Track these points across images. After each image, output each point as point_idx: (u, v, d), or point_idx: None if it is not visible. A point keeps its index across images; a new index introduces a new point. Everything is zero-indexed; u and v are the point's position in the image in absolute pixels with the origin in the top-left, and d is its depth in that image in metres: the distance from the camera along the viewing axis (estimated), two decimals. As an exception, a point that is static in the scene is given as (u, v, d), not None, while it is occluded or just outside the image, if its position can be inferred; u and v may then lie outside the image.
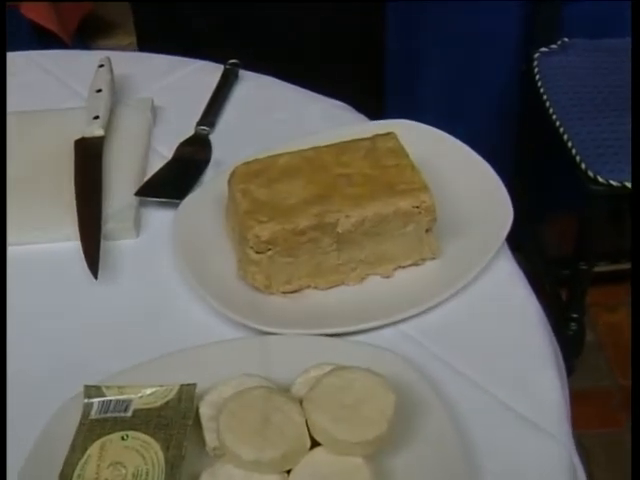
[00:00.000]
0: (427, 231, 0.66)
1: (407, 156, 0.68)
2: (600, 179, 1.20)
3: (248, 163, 0.69)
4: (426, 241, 0.67)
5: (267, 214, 0.64)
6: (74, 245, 0.70)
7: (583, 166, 1.22)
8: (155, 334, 0.64)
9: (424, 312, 0.64)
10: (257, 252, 0.64)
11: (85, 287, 0.68)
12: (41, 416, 0.56)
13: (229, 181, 0.69)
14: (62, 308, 0.67)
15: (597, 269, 1.45)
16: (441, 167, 0.72)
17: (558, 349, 0.63)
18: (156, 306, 0.67)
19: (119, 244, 0.72)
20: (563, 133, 1.28)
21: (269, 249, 0.64)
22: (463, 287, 0.65)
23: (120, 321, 0.66)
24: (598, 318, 1.61)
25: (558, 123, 1.30)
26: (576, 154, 1.24)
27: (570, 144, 1.26)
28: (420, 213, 0.65)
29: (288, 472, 0.52)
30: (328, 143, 0.71)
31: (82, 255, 0.69)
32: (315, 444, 0.53)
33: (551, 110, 1.33)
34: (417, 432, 0.54)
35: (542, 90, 1.37)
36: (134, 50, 1.40)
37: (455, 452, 0.53)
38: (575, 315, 1.44)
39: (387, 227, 0.65)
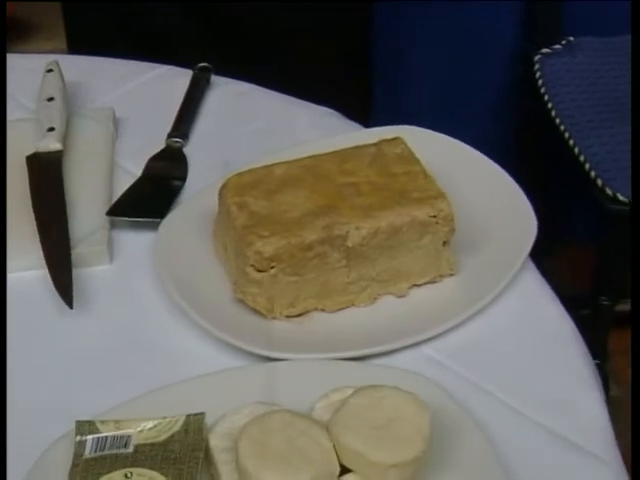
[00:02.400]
0: (444, 244, 0.76)
1: (418, 162, 0.78)
2: (620, 197, 1.32)
3: (241, 174, 0.78)
4: (443, 255, 0.76)
5: (268, 228, 0.73)
6: (39, 274, 0.78)
7: (599, 183, 1.34)
8: (144, 366, 0.72)
9: (447, 332, 0.73)
10: (258, 270, 0.72)
11: (58, 320, 0.76)
12: (21, 462, 0.63)
13: (220, 194, 0.77)
14: (35, 343, 0.75)
15: (620, 308, 1.56)
16: (451, 175, 0.81)
17: (595, 369, 0.73)
18: (142, 336, 0.75)
19: (91, 271, 0.80)
20: (573, 146, 1.40)
21: (272, 267, 0.72)
22: (487, 305, 0.75)
23: (103, 355, 0.74)
24: (623, 368, 1.71)
25: (567, 135, 1.42)
26: (590, 169, 1.36)
27: (582, 158, 1.38)
28: (437, 223, 0.75)
29: (315, 504, 0.60)
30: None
31: (51, 284, 0.76)
32: (343, 473, 0.61)
33: (558, 120, 1.45)
34: (453, 458, 0.63)
35: (546, 97, 1.49)
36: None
37: (497, 478, 0.61)
38: (596, 362, 1.54)
39: (401, 239, 0.74)
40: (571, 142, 1.42)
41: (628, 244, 1.43)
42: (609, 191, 1.33)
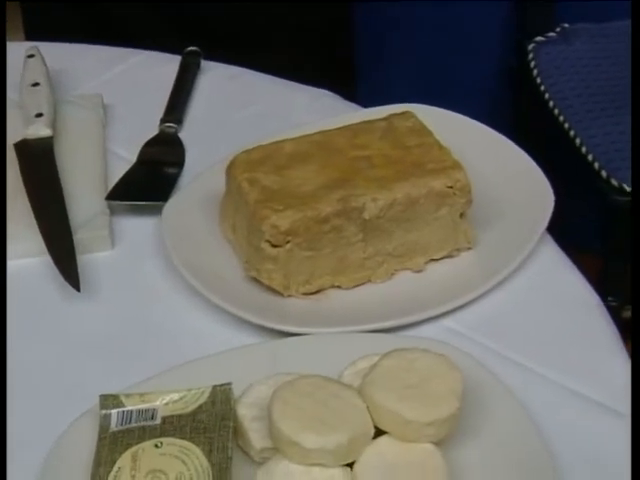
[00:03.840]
0: (461, 216, 0.85)
1: (431, 134, 0.87)
2: (626, 188, 1.41)
3: (249, 151, 0.86)
4: (461, 228, 0.85)
5: (283, 202, 0.81)
6: (39, 262, 0.86)
7: (604, 174, 1.44)
8: (158, 349, 0.80)
9: (468, 305, 0.82)
10: (274, 246, 0.80)
11: (65, 307, 0.84)
12: (41, 443, 0.71)
13: (228, 172, 0.85)
14: (42, 331, 0.82)
15: (627, 315, 1.64)
16: (462, 150, 0.90)
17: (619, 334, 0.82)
18: (153, 320, 0.83)
19: (93, 257, 0.88)
20: (574, 137, 1.51)
21: (287, 241, 0.80)
22: (507, 277, 0.83)
23: (113, 340, 0.82)
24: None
25: (567, 125, 1.53)
26: (593, 160, 1.46)
27: (584, 149, 1.48)
28: (455, 194, 0.83)
29: (349, 467, 0.67)
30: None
31: (55, 270, 0.84)
32: (376, 436, 0.69)
33: (556, 111, 1.56)
34: (486, 423, 0.71)
35: (543, 88, 1.60)
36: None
37: (532, 441, 0.70)
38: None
39: (418, 211, 0.83)
40: (572, 133, 1.52)
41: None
42: (614, 182, 1.43)
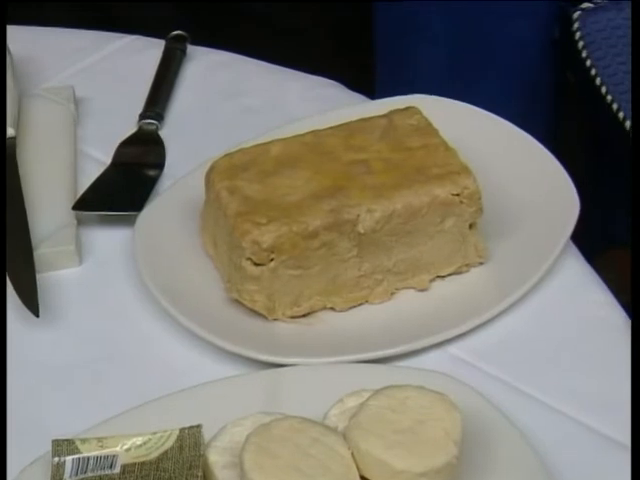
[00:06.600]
0: (471, 227, 0.83)
1: (437, 133, 0.86)
2: (681, 178, 1.39)
3: (231, 155, 0.85)
4: (470, 241, 0.84)
5: (266, 214, 0.80)
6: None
7: (656, 162, 1.42)
8: (126, 381, 0.80)
9: (477, 329, 0.80)
10: (256, 264, 0.80)
11: (24, 332, 0.83)
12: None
13: (208, 179, 0.85)
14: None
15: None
16: (476, 149, 0.89)
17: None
18: (122, 347, 0.82)
19: (58, 275, 0.87)
20: (624, 120, 1.48)
21: (271, 259, 0.79)
22: (523, 296, 0.82)
23: (78, 370, 0.81)
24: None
25: (615, 107, 1.50)
26: (644, 146, 1.44)
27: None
28: (462, 202, 0.82)
29: (332, 522, 0.66)
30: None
31: (12, 290, 0.83)
32: (363, 486, 0.68)
33: (603, 89, 1.53)
34: (491, 467, 0.70)
35: (589, 62, 1.57)
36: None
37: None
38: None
39: (421, 223, 0.82)
40: (621, 115, 1.50)
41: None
42: (668, 171, 1.41)
